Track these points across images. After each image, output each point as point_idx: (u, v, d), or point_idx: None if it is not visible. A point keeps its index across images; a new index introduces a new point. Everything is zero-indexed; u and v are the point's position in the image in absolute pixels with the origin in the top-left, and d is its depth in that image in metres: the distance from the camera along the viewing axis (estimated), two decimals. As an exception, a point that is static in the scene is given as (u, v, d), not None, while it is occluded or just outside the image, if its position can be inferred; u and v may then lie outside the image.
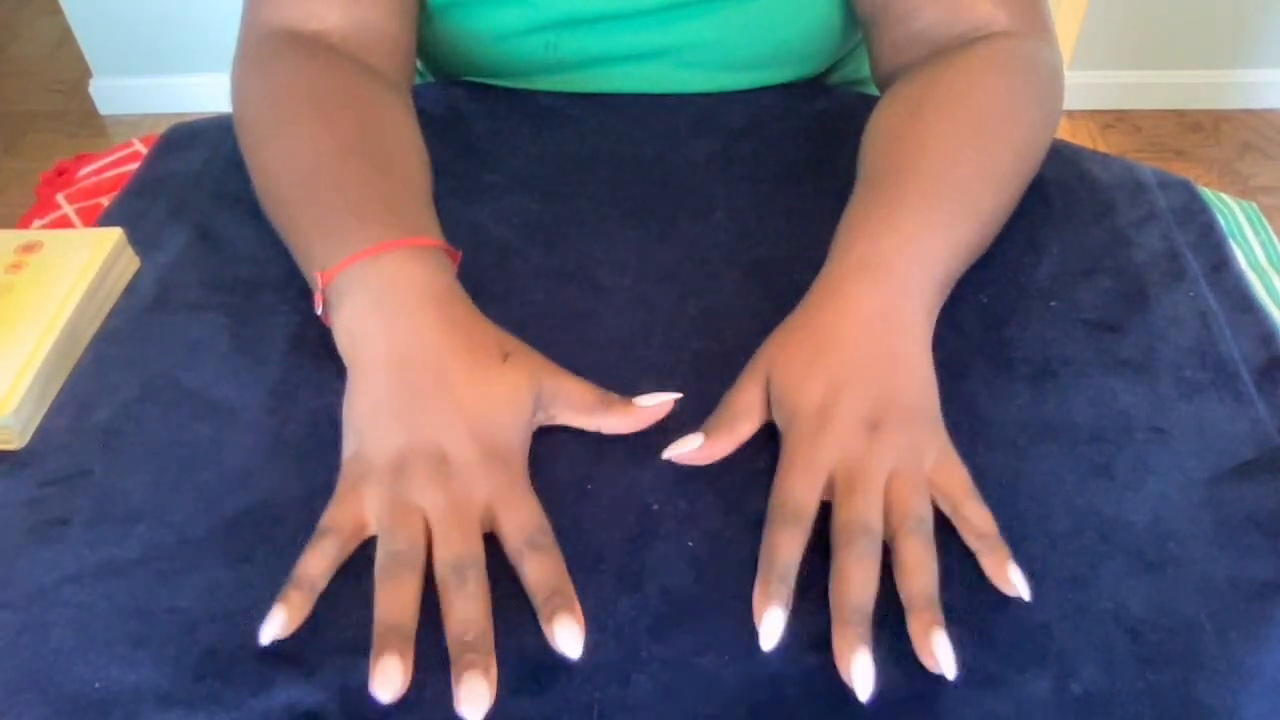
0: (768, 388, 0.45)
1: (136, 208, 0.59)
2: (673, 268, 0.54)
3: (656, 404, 0.45)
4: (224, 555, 0.41)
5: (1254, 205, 0.72)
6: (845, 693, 0.37)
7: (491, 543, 0.41)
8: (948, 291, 0.49)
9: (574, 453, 0.45)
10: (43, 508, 0.43)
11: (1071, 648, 0.38)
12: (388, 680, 0.36)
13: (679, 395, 0.45)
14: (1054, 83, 0.56)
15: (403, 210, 0.49)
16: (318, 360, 0.48)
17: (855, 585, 0.38)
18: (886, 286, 0.45)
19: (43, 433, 0.46)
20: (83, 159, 0.80)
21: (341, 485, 0.42)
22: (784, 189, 0.58)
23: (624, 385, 0.47)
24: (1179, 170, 1.81)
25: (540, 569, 0.39)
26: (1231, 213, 0.71)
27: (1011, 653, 0.38)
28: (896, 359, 0.44)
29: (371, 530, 0.41)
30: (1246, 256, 0.67)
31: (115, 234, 0.53)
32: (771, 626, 0.37)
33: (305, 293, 0.50)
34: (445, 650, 0.37)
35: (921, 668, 0.37)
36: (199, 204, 0.59)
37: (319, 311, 0.47)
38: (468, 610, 0.38)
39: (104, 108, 2.10)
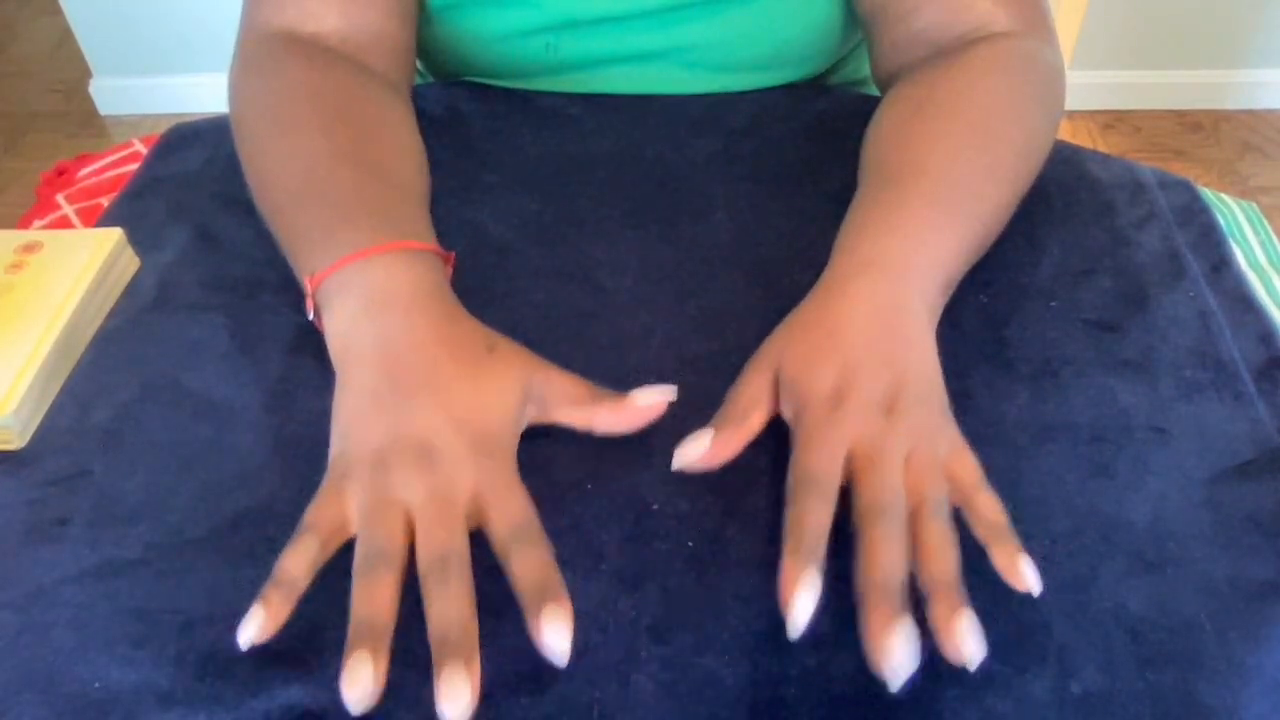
0: (775, 380, 0.44)
1: (136, 208, 0.59)
2: (673, 268, 0.54)
3: (651, 401, 0.44)
4: (224, 555, 0.41)
5: (1254, 205, 0.72)
6: (846, 693, 0.37)
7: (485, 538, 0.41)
8: (950, 292, 0.49)
9: (574, 453, 0.45)
10: (43, 508, 0.43)
11: (1071, 648, 0.38)
12: (356, 679, 0.35)
13: (673, 387, 0.44)
14: (1055, 82, 0.56)
15: (394, 215, 0.49)
16: (318, 360, 0.48)
17: (886, 564, 0.36)
18: (891, 284, 0.45)
19: (43, 433, 0.46)
20: (83, 159, 0.80)
21: (325, 483, 0.41)
22: (784, 189, 0.58)
23: (624, 385, 0.47)
24: (1179, 170, 1.81)
25: (527, 565, 0.38)
26: (1231, 213, 0.71)
27: (1011, 652, 0.38)
28: (906, 345, 0.43)
29: (354, 529, 0.40)
30: (1246, 256, 0.67)
31: (115, 234, 0.53)
32: (805, 600, 0.35)
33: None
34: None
35: (922, 667, 0.37)
36: (199, 204, 0.59)
37: (310, 316, 0.47)
38: (449, 607, 0.36)
39: (104, 108, 2.10)
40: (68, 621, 0.39)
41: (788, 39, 0.64)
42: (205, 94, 2.03)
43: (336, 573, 0.40)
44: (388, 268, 0.45)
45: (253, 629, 0.37)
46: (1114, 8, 1.86)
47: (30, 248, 0.52)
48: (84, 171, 0.78)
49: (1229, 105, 2.00)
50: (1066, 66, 1.12)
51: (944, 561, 0.37)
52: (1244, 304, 0.51)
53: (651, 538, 0.42)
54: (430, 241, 0.49)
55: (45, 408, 0.47)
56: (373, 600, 0.37)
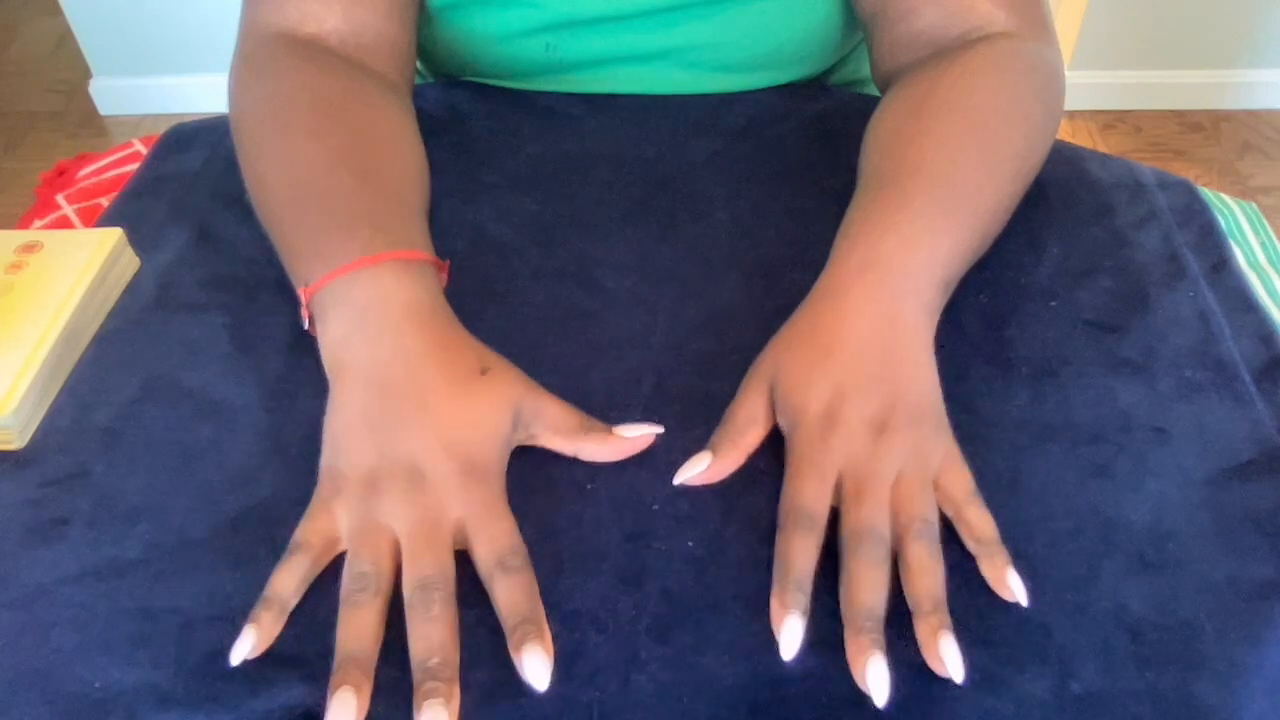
0: (771, 393, 0.44)
1: (136, 208, 0.59)
2: (673, 268, 0.54)
3: (638, 435, 0.44)
4: (224, 555, 0.41)
5: (1254, 205, 0.72)
6: (845, 693, 0.37)
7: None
8: (950, 293, 0.49)
9: (574, 453, 0.45)
10: (43, 508, 0.43)
11: (1071, 648, 0.38)
12: (341, 715, 0.35)
13: (661, 429, 0.45)
14: (1055, 82, 0.56)
15: (389, 224, 0.48)
16: (318, 360, 0.48)
17: (867, 590, 0.38)
18: (889, 289, 0.45)
19: (43, 433, 0.46)
20: (83, 159, 0.80)
21: (315, 500, 0.42)
22: (784, 189, 0.58)
23: (624, 385, 0.47)
24: (1179, 170, 1.81)
25: (510, 593, 0.38)
26: (1231, 213, 0.71)
27: (1011, 653, 0.38)
28: (901, 361, 0.44)
29: (344, 545, 0.41)
30: (1246, 256, 0.67)
31: (115, 234, 0.53)
32: (791, 635, 0.37)
33: (305, 293, 0.50)
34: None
35: (921, 667, 0.37)
36: (199, 204, 0.59)
37: (306, 326, 0.47)
38: (432, 634, 0.37)
39: (104, 108, 2.10)
40: (68, 621, 0.39)
41: (787, 39, 0.64)
42: (205, 94, 2.03)
43: (337, 573, 0.40)
44: (381, 281, 0.45)
45: (245, 648, 0.37)
46: (1114, 8, 1.86)
47: (30, 248, 0.52)
48: (84, 171, 0.78)
49: (1229, 105, 2.00)
50: (1066, 66, 1.12)
51: (929, 582, 0.38)
52: (1244, 304, 0.51)
53: (651, 538, 0.42)
54: (426, 249, 0.49)
55: (45, 408, 0.47)
56: (359, 633, 0.38)
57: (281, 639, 0.38)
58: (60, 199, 0.75)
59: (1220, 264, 0.54)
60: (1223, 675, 0.37)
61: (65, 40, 2.23)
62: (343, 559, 0.40)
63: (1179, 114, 1.99)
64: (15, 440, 0.45)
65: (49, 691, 0.37)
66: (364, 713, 0.36)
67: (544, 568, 0.40)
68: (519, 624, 0.38)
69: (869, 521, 0.39)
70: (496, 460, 0.43)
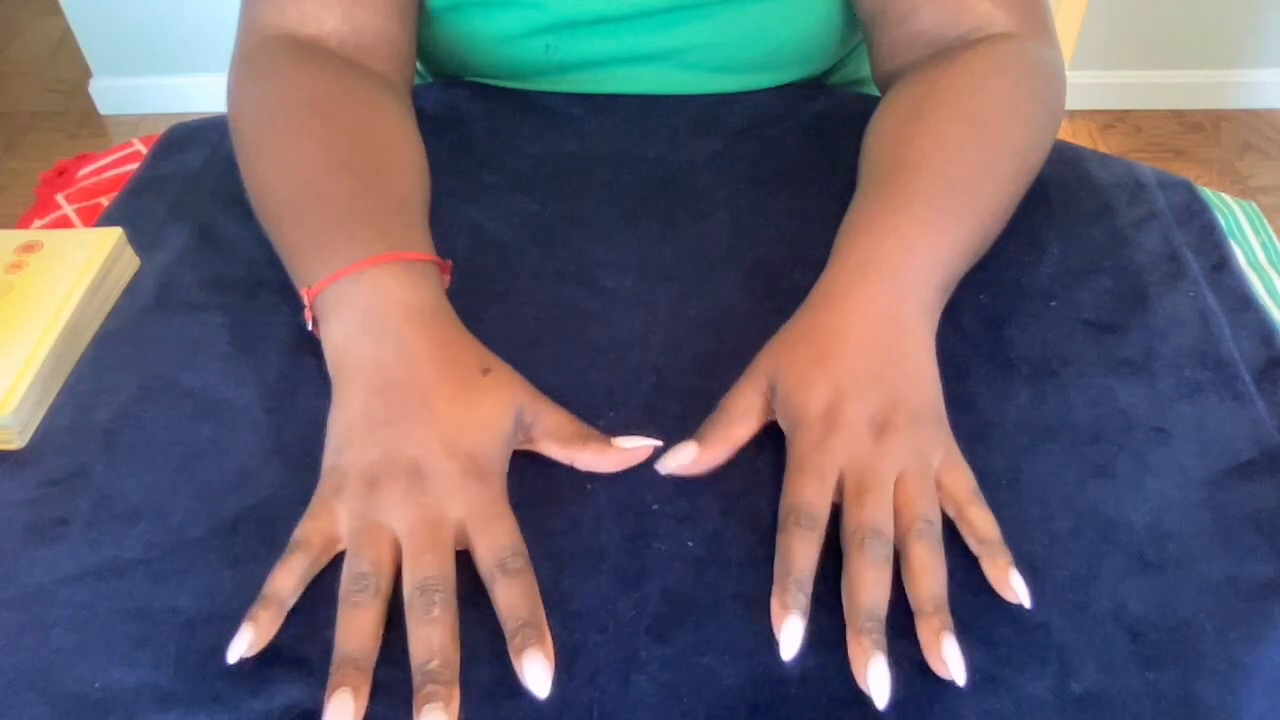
0: (770, 392, 0.44)
1: (136, 208, 0.59)
2: (673, 268, 0.54)
3: (635, 447, 0.44)
4: (223, 555, 0.41)
5: (1254, 205, 0.72)
6: (845, 693, 0.37)
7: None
8: (950, 293, 0.49)
9: (574, 453, 0.45)
10: (43, 508, 0.43)
11: (1071, 648, 0.38)
12: (339, 717, 0.35)
13: (659, 443, 0.44)
14: (1055, 82, 0.56)
15: (390, 224, 0.48)
16: (318, 360, 0.48)
17: (869, 591, 0.38)
18: (889, 288, 0.45)
19: (43, 433, 0.46)
20: (83, 159, 0.80)
21: (315, 498, 0.41)
22: (784, 189, 0.58)
23: (624, 385, 0.47)
24: (1179, 170, 1.81)
25: (510, 595, 0.38)
26: (1231, 212, 0.71)
27: (1011, 653, 0.38)
28: (901, 360, 0.44)
29: (344, 545, 0.41)
30: (1246, 256, 0.67)
31: (115, 234, 0.53)
32: (791, 635, 0.37)
33: (305, 293, 0.50)
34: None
35: (922, 667, 0.37)
36: (199, 204, 0.59)
37: (310, 327, 0.47)
38: (431, 636, 0.37)
39: (104, 108, 2.10)
40: (68, 621, 0.39)
41: (787, 40, 0.64)
42: (205, 94, 2.03)
43: (337, 573, 0.40)
44: (383, 282, 0.45)
45: (242, 645, 0.37)
46: (1114, 8, 1.86)
47: (30, 248, 0.52)
48: (84, 171, 0.78)
49: (1229, 105, 2.00)
50: (1066, 66, 1.12)
51: (930, 583, 0.38)
52: (1244, 304, 0.51)
53: (651, 538, 0.42)
54: (428, 250, 0.49)
55: (45, 408, 0.47)
56: (358, 633, 0.38)
57: (281, 639, 0.38)
58: (60, 199, 0.75)
59: (1220, 264, 0.54)
60: (1223, 675, 0.37)
61: (65, 40, 2.23)
62: (343, 558, 0.40)
63: (1179, 114, 1.99)
64: (15, 440, 0.45)
65: (49, 691, 0.37)
66: (361, 714, 0.36)
67: (544, 568, 0.40)
68: (519, 628, 0.37)
69: (871, 521, 0.39)
70: (498, 460, 0.43)
